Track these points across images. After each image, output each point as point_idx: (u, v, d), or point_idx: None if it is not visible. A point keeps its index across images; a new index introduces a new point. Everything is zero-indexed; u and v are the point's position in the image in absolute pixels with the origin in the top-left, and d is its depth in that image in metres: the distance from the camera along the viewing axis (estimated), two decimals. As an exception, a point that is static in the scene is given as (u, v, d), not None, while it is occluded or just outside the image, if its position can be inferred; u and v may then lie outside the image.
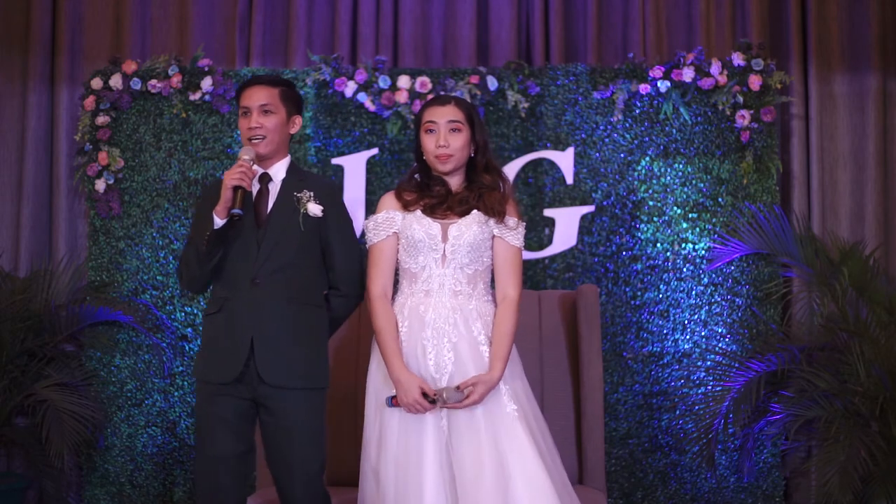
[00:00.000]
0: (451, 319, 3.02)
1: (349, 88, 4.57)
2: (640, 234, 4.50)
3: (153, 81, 4.58)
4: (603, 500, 3.62)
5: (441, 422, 2.97)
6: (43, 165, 4.93)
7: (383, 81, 4.55)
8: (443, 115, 3.09)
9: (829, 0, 4.81)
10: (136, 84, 4.59)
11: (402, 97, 4.54)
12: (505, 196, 3.13)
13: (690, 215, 4.50)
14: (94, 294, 4.52)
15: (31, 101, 4.91)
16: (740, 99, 4.46)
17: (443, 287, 3.05)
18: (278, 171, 3.23)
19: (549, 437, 3.08)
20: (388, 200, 3.16)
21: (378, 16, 4.93)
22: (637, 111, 4.53)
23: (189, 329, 4.54)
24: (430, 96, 4.41)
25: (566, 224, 4.52)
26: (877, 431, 4.05)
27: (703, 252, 4.48)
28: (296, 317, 3.12)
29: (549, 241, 4.53)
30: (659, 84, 4.49)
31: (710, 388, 4.37)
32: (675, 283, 4.49)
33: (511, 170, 4.52)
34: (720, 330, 4.46)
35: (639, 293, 4.49)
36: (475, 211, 3.09)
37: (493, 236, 3.10)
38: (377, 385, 3.09)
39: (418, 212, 3.10)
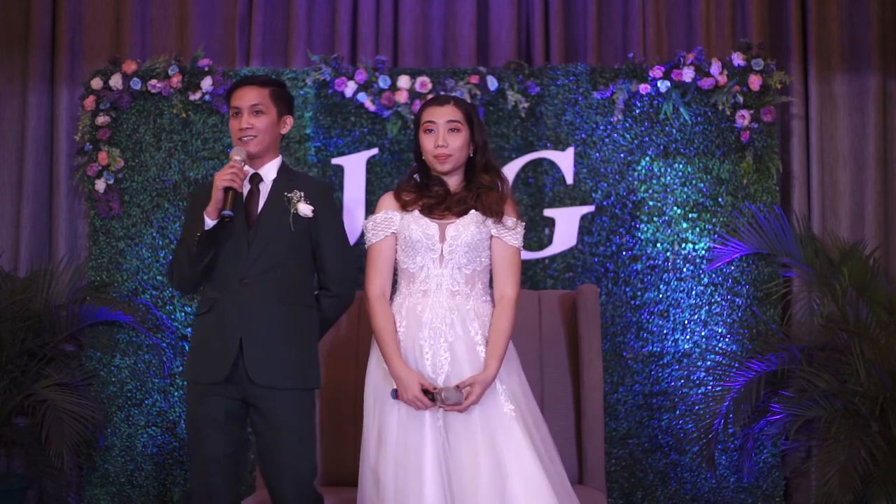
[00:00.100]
0: (447, 320, 3.02)
1: (349, 88, 4.57)
2: (640, 234, 4.50)
3: (153, 81, 4.59)
4: (603, 500, 3.62)
5: (438, 422, 2.97)
6: (43, 165, 4.93)
7: (383, 81, 4.55)
8: (441, 115, 3.09)
9: (829, 0, 4.81)
10: (136, 84, 4.59)
11: (402, 97, 4.54)
12: (503, 196, 3.13)
13: (690, 215, 4.50)
14: (94, 294, 4.52)
15: (31, 101, 4.91)
16: (740, 99, 4.46)
17: (440, 287, 3.05)
18: (269, 171, 3.23)
19: (549, 436, 3.08)
20: (387, 201, 3.16)
21: (378, 16, 4.93)
22: (637, 111, 4.53)
23: (189, 329, 4.53)
24: (430, 96, 4.41)
25: (566, 224, 4.52)
26: (877, 431, 4.05)
27: (703, 252, 4.48)
28: (286, 317, 3.12)
29: (549, 241, 4.53)
30: (659, 84, 4.49)
31: (710, 388, 4.37)
32: (675, 283, 4.49)
33: (511, 170, 4.52)
34: (720, 330, 4.46)
35: (639, 293, 4.49)
36: (473, 211, 3.08)
37: (491, 236, 3.10)
38: (375, 384, 3.09)
39: (416, 212, 3.10)
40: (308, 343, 3.18)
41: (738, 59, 4.48)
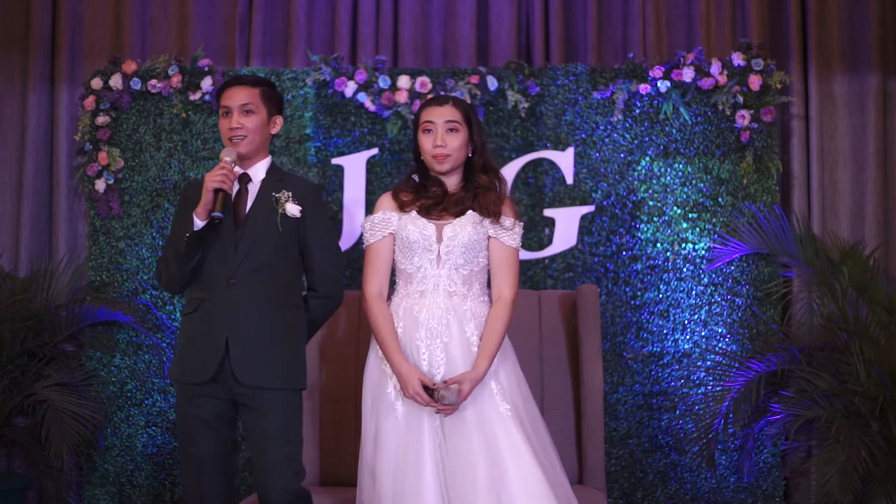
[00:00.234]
0: (444, 320, 3.02)
1: (349, 88, 4.57)
2: (640, 234, 4.50)
3: (153, 81, 4.59)
4: (603, 500, 3.62)
5: (435, 423, 2.97)
6: (43, 165, 4.93)
7: (383, 81, 4.55)
8: (440, 115, 3.09)
9: (829, 0, 4.81)
10: (136, 84, 4.59)
11: (402, 97, 4.54)
12: (501, 196, 3.13)
13: (690, 215, 4.50)
14: (94, 294, 4.52)
15: (31, 101, 4.91)
16: (740, 99, 4.46)
17: (437, 288, 3.05)
18: (258, 171, 3.22)
19: (547, 435, 3.08)
20: (385, 201, 3.16)
21: (378, 16, 4.93)
22: (637, 111, 4.53)
23: (189, 329, 4.54)
24: (429, 96, 4.40)
25: (566, 224, 4.52)
26: (877, 431, 4.05)
27: (703, 252, 4.48)
28: (273, 317, 3.11)
29: (549, 241, 4.53)
30: (659, 84, 4.49)
31: (710, 388, 4.37)
32: (675, 283, 4.48)
33: (511, 170, 4.51)
34: (720, 330, 4.46)
35: (639, 293, 4.49)
36: (470, 211, 3.08)
37: (489, 237, 3.10)
38: (373, 383, 3.09)
39: (414, 212, 3.10)
40: (295, 344, 3.17)
41: (738, 59, 4.48)
